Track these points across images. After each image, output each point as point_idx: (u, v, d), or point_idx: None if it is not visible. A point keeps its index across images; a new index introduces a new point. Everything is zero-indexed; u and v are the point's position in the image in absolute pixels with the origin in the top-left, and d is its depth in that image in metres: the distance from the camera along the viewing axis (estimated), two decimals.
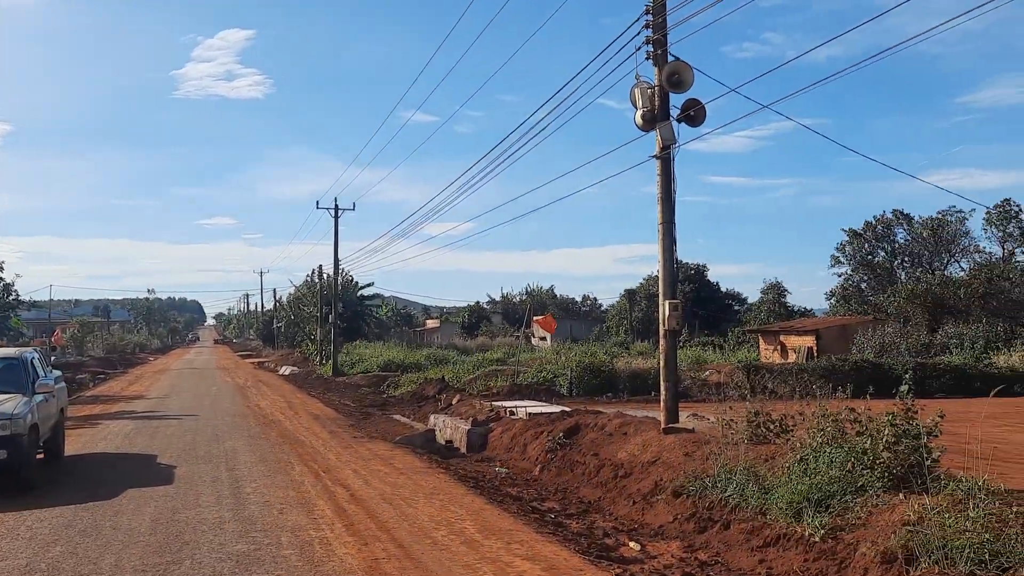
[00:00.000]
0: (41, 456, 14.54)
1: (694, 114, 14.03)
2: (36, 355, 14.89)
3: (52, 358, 53.56)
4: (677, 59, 14.03)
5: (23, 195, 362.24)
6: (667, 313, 14.11)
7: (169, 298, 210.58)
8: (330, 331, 50.43)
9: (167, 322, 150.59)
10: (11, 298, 32.71)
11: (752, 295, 73.27)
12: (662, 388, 14.36)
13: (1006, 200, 51.65)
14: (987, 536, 6.89)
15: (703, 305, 69.07)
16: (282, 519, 10.03)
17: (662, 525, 10.49)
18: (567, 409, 18.36)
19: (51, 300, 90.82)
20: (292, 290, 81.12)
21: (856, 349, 35.09)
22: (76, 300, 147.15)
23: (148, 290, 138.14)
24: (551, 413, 17.56)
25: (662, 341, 14.47)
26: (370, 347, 55.45)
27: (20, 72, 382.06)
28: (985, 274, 41.40)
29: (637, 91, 14.22)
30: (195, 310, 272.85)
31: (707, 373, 32.20)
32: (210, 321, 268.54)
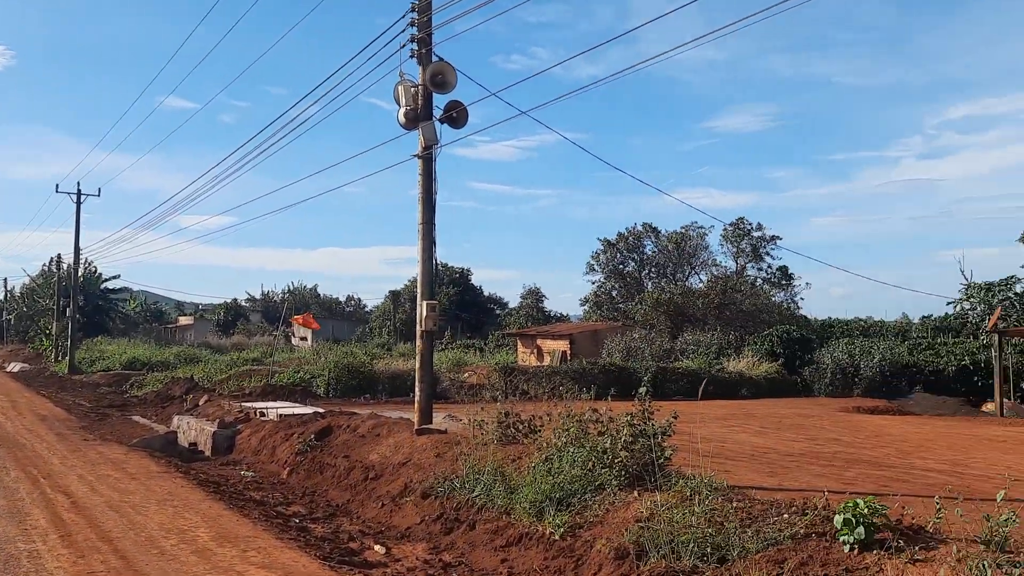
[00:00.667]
0: None
1: (456, 115, 14.05)
2: None
3: None
4: (441, 59, 14.01)
5: None
6: (424, 314, 14.03)
7: None
8: (67, 325, 46.58)
9: None
10: None
11: (513, 300, 75.23)
12: (416, 389, 14.25)
13: (740, 219, 56.22)
14: (710, 530, 7.25)
15: (466, 308, 70.05)
16: None
17: (410, 527, 10.36)
18: (320, 410, 17.86)
19: None
20: (27, 280, 74.34)
21: (605, 353, 36.71)
22: None
23: None
24: (303, 414, 17.02)
25: (419, 342, 14.37)
26: (114, 344, 51.81)
27: None
28: (720, 286, 44.72)
29: (401, 89, 14.06)
30: None
31: (466, 375, 32.58)
32: None
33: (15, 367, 47.66)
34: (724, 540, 7.10)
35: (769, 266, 55.84)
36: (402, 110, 14.06)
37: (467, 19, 13.96)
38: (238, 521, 9.81)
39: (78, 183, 46.31)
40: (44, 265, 70.46)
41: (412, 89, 14.00)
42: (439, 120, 14.10)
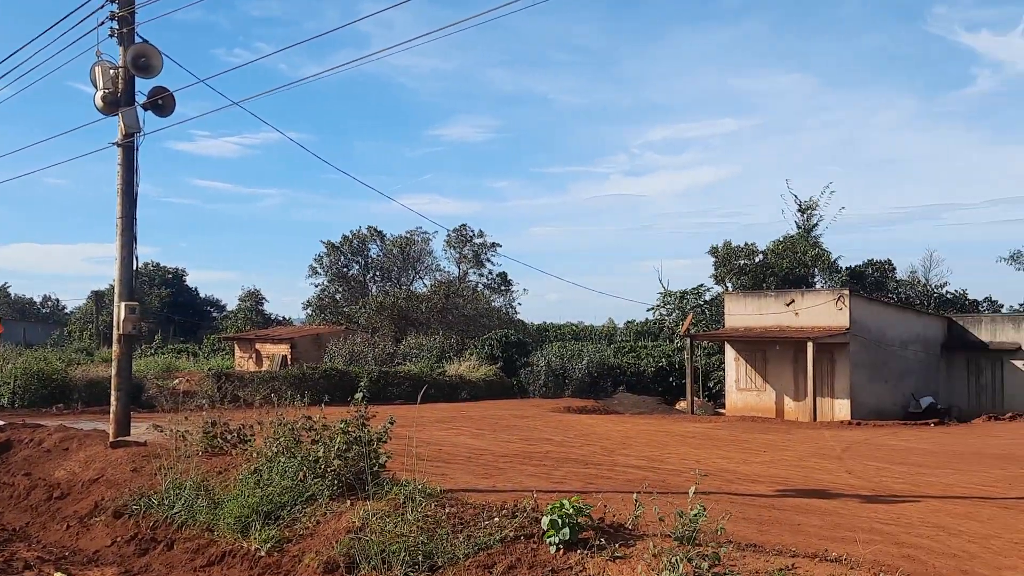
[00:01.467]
0: None
1: (162, 102, 13.05)
2: None
3: None
4: (145, 41, 12.92)
5: None
6: (123, 316, 12.87)
7: None
8: None
9: None
10: None
11: (232, 303, 72.10)
12: (112, 398, 13.05)
13: (463, 225, 57.40)
14: (422, 538, 7.09)
15: (180, 311, 66.29)
16: None
17: (98, 550, 9.40)
18: (1, 423, 15.92)
19: None
20: None
21: (328, 358, 35.98)
22: None
23: None
24: None
25: (116, 346, 13.17)
26: None
27: None
28: (444, 291, 45.30)
29: (98, 70, 12.82)
30: None
31: (176, 381, 30.62)
32: None
33: None
34: (435, 547, 6.96)
35: (490, 272, 57.47)
36: (99, 93, 12.83)
37: (178, 1, 13.08)
38: None
39: None
40: None
41: (112, 71, 12.81)
42: (142, 106, 13.00)
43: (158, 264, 69.44)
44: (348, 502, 8.38)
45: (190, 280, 72.56)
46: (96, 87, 12.85)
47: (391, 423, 9.10)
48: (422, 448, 15.18)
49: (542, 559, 6.46)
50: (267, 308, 66.27)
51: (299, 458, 9.12)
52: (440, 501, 7.98)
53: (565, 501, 6.64)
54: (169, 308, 64.21)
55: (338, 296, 56.64)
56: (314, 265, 58.28)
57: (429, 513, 7.60)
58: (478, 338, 37.72)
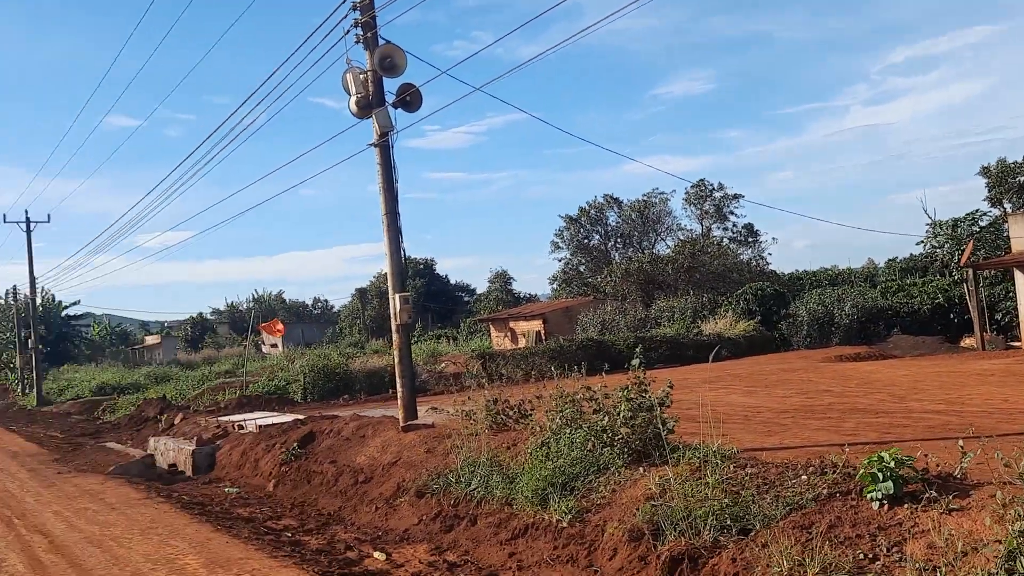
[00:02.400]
0: None
1: (410, 99, 13.53)
2: None
3: None
4: (388, 42, 13.44)
5: None
6: (398, 307, 13.53)
7: None
8: (31, 357, 45.40)
9: None
10: None
11: (481, 286, 74.73)
12: (398, 384, 13.77)
13: (701, 180, 56.07)
14: (727, 501, 6.88)
15: (435, 299, 69.51)
16: None
17: (407, 529, 9.93)
18: (300, 417, 17.31)
19: None
20: None
21: (580, 329, 36.41)
22: None
23: None
24: (283, 423, 16.45)
25: (395, 336, 13.87)
26: (81, 370, 50.77)
27: None
28: (688, 250, 44.42)
29: (349, 76, 13.49)
30: None
31: (443, 365, 32.13)
32: None
33: None
34: (743, 510, 6.73)
35: (734, 225, 55.85)
36: (353, 98, 13.51)
37: (405, 3, 13.43)
38: (227, 543, 9.29)
39: (26, 211, 45.02)
40: (0, 298, 68.78)
41: (361, 76, 13.45)
42: (392, 105, 13.56)
43: (409, 257, 73.12)
44: (641, 469, 8.31)
45: (439, 268, 75.90)
46: (349, 93, 13.53)
47: (670, 387, 8.96)
48: (694, 410, 14.93)
49: (864, 516, 6.06)
50: (515, 287, 68.14)
51: (584, 429, 9.18)
52: (739, 462, 7.73)
53: (884, 453, 6.19)
54: (424, 297, 67.49)
55: (582, 268, 57.16)
56: (555, 240, 59.16)
57: (729, 475, 7.38)
58: (730, 294, 36.74)
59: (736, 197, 55.24)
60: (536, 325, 42.95)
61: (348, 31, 13.51)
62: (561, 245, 58.85)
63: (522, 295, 65.63)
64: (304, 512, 11.63)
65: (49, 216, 46.54)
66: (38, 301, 50.84)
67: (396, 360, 13.87)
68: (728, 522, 6.70)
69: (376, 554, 8.89)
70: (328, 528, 10.51)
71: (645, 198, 56.19)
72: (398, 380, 13.76)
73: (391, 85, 13.70)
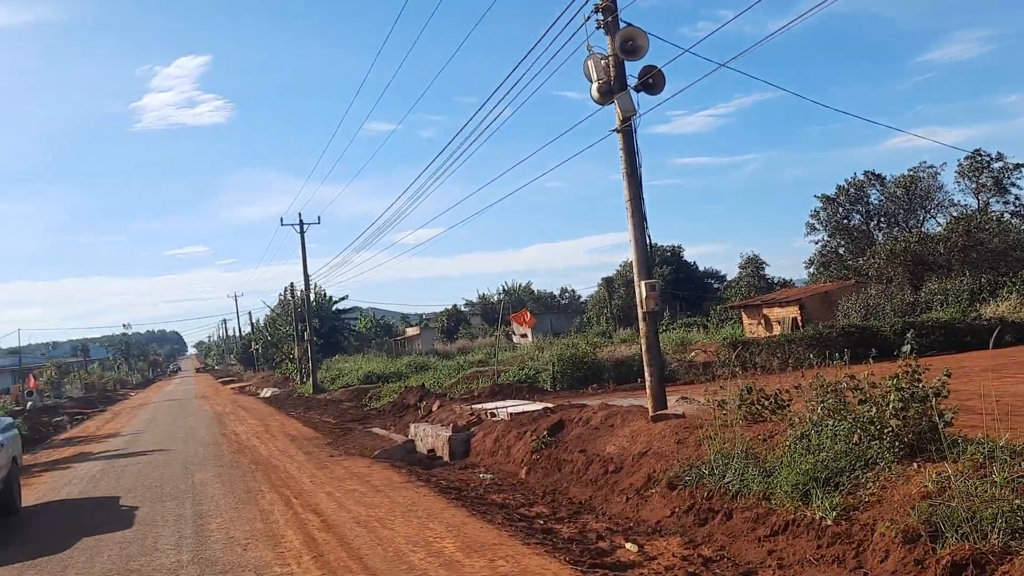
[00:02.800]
0: None
1: (653, 81, 13.27)
2: None
3: (29, 404, 52.33)
4: (629, 24, 13.26)
5: None
6: (644, 294, 13.35)
7: (148, 331, 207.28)
8: (307, 349, 49.43)
9: (146, 355, 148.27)
10: None
11: (730, 272, 72.82)
12: (646, 374, 13.60)
13: (976, 151, 51.32)
14: (1018, 502, 6.16)
15: (683, 286, 68.52)
16: (246, 557, 9.15)
17: (659, 520, 9.73)
18: (550, 405, 17.56)
19: (20, 345, 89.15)
20: (267, 311, 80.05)
21: (841, 315, 34.51)
22: (54, 342, 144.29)
23: (124, 325, 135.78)
24: (533, 411, 16.76)
25: (642, 324, 13.70)
26: (349, 360, 54.54)
27: None
28: (963, 227, 40.80)
29: (591, 63, 13.45)
30: (175, 340, 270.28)
31: (693, 353, 31.54)
32: (191, 350, 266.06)
33: (267, 392, 51.04)
34: None
35: (1016, 198, 50.72)
36: (594, 85, 13.45)
37: None
38: (482, 528, 9.54)
39: (299, 214, 48.99)
40: (280, 295, 75.47)
41: (602, 61, 13.36)
42: (634, 88, 13.37)
43: (655, 244, 72.49)
44: (914, 465, 7.64)
45: (687, 255, 74.72)
46: (591, 80, 13.49)
47: (947, 375, 8.18)
48: (974, 400, 13.63)
49: None
50: (767, 272, 65.80)
51: (849, 420, 8.58)
52: None
53: None
54: (672, 285, 66.69)
55: (841, 250, 54.17)
56: (811, 221, 56.49)
57: (1021, 473, 6.61)
58: (1013, 274, 33.38)
59: (1018, 167, 50.12)
60: (792, 311, 41.18)
61: (588, 18, 13.47)
62: (817, 227, 56.10)
63: (775, 280, 63.24)
64: (555, 500, 11.73)
65: (319, 218, 50.57)
66: (312, 297, 55.17)
67: (643, 349, 13.70)
68: (1020, 524, 6.00)
69: (628, 545, 8.78)
70: (579, 517, 10.53)
71: (911, 173, 52.31)
72: (646, 369, 13.59)
73: (633, 69, 13.52)
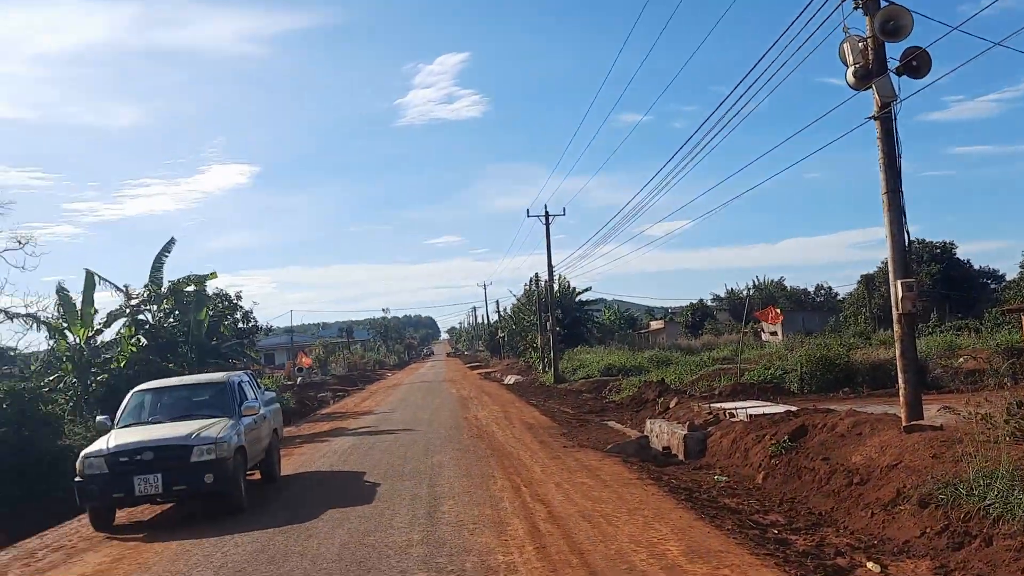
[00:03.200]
0: (256, 477, 14.88)
1: (917, 64, 12.23)
2: (245, 378, 15.22)
3: (299, 379, 57.05)
4: (892, 3, 12.31)
5: (270, 229, 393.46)
6: (900, 294, 12.38)
7: (405, 316, 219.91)
8: (549, 338, 50.37)
9: (402, 338, 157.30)
10: (250, 325, 34.71)
11: (1011, 271, 66.36)
12: (900, 380, 12.62)
13: None
14: None
15: (954, 286, 63.33)
16: (471, 541, 9.41)
17: (907, 541, 9.00)
18: (792, 408, 16.76)
19: (293, 325, 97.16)
20: (514, 300, 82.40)
21: None
22: (323, 323, 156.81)
23: (383, 309, 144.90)
24: (774, 414, 16.07)
25: (897, 327, 12.74)
26: (591, 352, 54.91)
27: (258, 116, 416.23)
28: None
29: (847, 46, 12.62)
30: (429, 325, 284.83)
31: (961, 360, 29.04)
32: (444, 335, 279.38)
33: (511, 379, 52.55)
34: None
35: None
36: (850, 69, 12.61)
37: None
38: (709, 533, 9.23)
39: (545, 206, 50.03)
40: (525, 285, 77.42)
41: (860, 44, 12.49)
42: (895, 72, 12.40)
43: (923, 240, 67.38)
44: None
45: (960, 252, 68.92)
46: (846, 64, 12.67)
47: None
48: None
49: None
50: None
51: None
52: None
53: None
54: (940, 285, 61.82)
55: None
56: None
57: None
58: None
59: None
60: None
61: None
62: None
63: None
64: (793, 509, 11.19)
65: (564, 209, 51.14)
66: (555, 288, 56.13)
67: (897, 353, 12.72)
68: None
69: (870, 565, 8.21)
70: (818, 529, 9.98)
71: None
72: (900, 375, 12.62)
73: (894, 52, 12.55)
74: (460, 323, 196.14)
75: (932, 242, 66.82)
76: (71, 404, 22.57)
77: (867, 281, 67.48)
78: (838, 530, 9.90)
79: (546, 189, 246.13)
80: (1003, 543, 7.96)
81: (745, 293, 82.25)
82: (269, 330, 47.79)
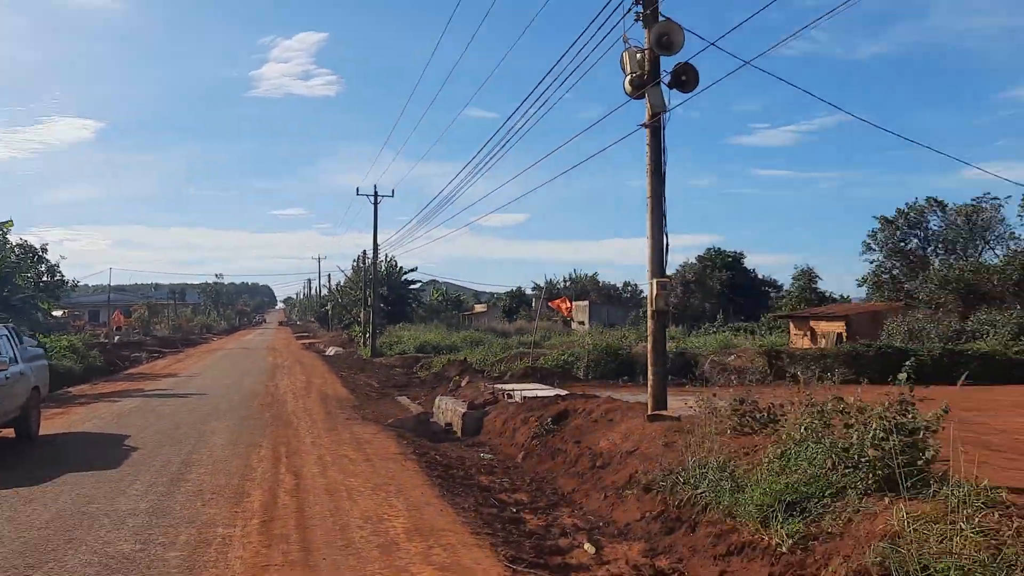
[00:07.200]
0: (9, 434, 13.49)
1: (685, 78, 12.30)
2: (3, 332, 13.72)
3: (116, 338, 53.51)
4: (668, 19, 12.32)
5: (112, 186, 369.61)
6: (655, 292, 12.47)
7: (243, 283, 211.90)
8: (371, 313, 49.41)
9: (235, 304, 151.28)
10: (55, 279, 31.94)
11: (787, 282, 70.41)
12: (649, 372, 12.73)
13: None
14: (982, 556, 5.25)
15: (740, 292, 66.56)
16: (199, 512, 8.64)
17: (629, 523, 8.95)
18: (562, 393, 16.79)
19: (126, 284, 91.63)
20: (343, 275, 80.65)
21: (885, 335, 32.80)
22: (156, 284, 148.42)
23: (216, 274, 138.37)
24: (545, 397, 16.01)
25: (650, 322, 12.83)
26: (411, 329, 54.27)
27: (107, 72, 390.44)
28: (1020, 261, 38.44)
29: (626, 55, 12.56)
30: (266, 294, 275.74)
31: (731, 357, 30.29)
32: (280, 305, 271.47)
33: (332, 351, 51.28)
34: (1005, 572, 5.08)
35: None
36: (628, 77, 12.56)
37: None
38: (443, 511, 8.86)
39: (375, 186, 48.96)
40: (353, 261, 75.83)
41: (637, 54, 12.45)
42: (667, 85, 12.43)
43: (719, 249, 70.32)
44: (886, 500, 6.70)
45: (748, 262, 72.44)
46: (625, 72, 12.61)
47: (945, 411, 7.17)
48: (993, 436, 12.41)
49: None
50: (821, 286, 63.37)
51: (827, 444, 7.65)
52: (1006, 511, 5.91)
53: None
54: (729, 289, 64.83)
55: (895, 272, 51.84)
56: (868, 241, 54.20)
57: (991, 524, 5.65)
58: None
59: None
60: (838, 327, 39.43)
61: (629, 10, 12.57)
62: (874, 247, 53.73)
63: (829, 295, 60.87)
64: (540, 489, 11.03)
65: (393, 191, 50.23)
66: (383, 266, 55.13)
67: (648, 347, 12.83)
68: None
69: (587, 546, 8.06)
70: (555, 509, 9.82)
71: (974, 203, 49.64)
72: (649, 368, 12.73)
73: (669, 64, 12.58)
74: (297, 294, 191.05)
75: (726, 251, 69.94)
76: None
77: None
78: (573, 511, 9.76)
79: (388, 172, 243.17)
80: (706, 529, 7.96)
81: (564, 285, 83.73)
82: (76, 285, 44.41)
